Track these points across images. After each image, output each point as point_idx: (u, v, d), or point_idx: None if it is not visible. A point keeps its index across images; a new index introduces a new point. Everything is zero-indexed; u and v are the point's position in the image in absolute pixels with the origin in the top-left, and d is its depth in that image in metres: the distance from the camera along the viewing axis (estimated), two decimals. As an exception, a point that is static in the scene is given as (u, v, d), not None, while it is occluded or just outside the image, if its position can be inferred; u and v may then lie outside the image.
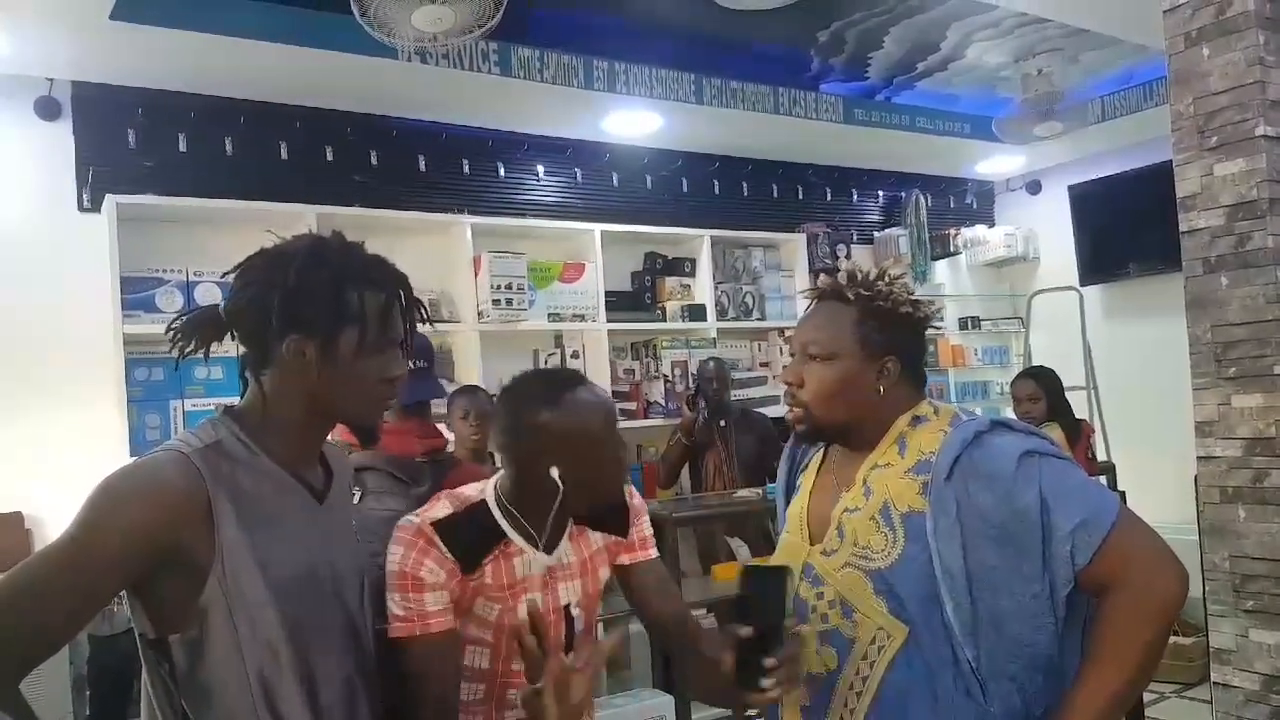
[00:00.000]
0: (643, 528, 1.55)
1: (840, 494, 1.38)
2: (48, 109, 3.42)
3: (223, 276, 1.25)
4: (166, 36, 3.12)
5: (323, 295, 1.16)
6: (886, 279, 1.39)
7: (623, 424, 4.31)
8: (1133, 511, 1.25)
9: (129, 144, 3.56)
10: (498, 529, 1.40)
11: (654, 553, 1.55)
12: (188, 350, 1.22)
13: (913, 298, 1.39)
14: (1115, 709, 1.20)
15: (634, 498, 1.56)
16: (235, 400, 1.26)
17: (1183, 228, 2.65)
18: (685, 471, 4.06)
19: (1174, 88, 2.66)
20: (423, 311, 1.28)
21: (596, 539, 1.50)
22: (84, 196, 3.46)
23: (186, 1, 3.09)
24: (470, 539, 1.37)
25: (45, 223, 3.40)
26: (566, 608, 1.43)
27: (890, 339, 1.36)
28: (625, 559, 1.53)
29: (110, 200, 3.28)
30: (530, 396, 1.38)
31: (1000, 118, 4.51)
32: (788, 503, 1.49)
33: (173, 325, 1.23)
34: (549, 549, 1.42)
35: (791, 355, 1.43)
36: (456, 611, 1.36)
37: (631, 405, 4.35)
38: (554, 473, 1.35)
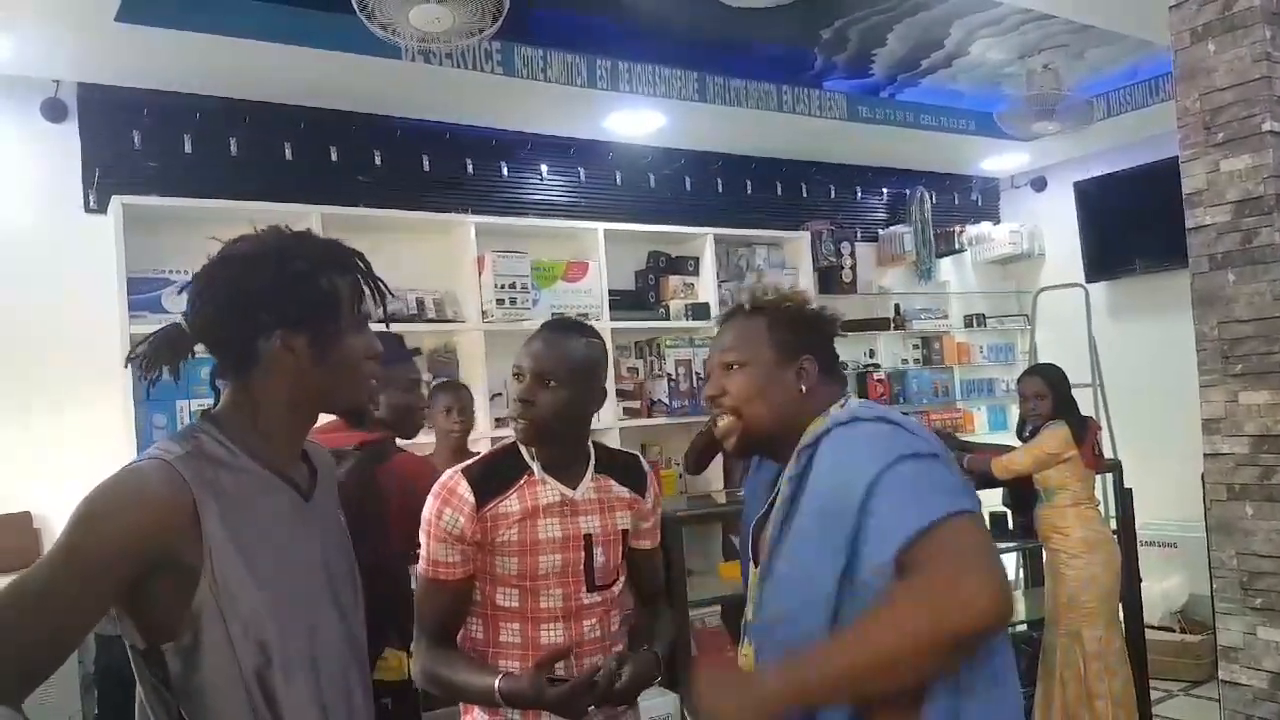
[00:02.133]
0: (655, 520, 1.77)
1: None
2: (54, 111, 3.43)
3: (179, 292, 1.25)
4: (171, 38, 3.13)
5: (299, 287, 1.17)
6: (786, 289, 1.47)
7: (626, 423, 4.35)
8: (973, 526, 1.13)
9: (134, 145, 3.57)
10: (523, 463, 1.64)
11: (649, 544, 1.78)
12: (154, 376, 1.19)
13: (811, 300, 1.46)
14: (835, 683, 1.09)
15: (654, 487, 1.76)
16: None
17: (1189, 224, 2.64)
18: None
19: (1180, 84, 2.65)
20: (384, 285, 1.27)
21: (618, 489, 1.70)
22: (90, 197, 3.47)
23: (191, 3, 3.10)
24: (497, 473, 1.62)
25: (52, 224, 3.42)
26: (587, 536, 1.63)
27: (802, 340, 1.40)
28: (633, 543, 1.73)
29: (116, 201, 3.29)
30: (583, 329, 1.69)
31: (1003, 110, 4.50)
32: (754, 526, 1.44)
33: (133, 354, 1.20)
34: (571, 485, 1.64)
35: (708, 376, 1.46)
36: (482, 545, 1.59)
37: (635, 404, 4.35)
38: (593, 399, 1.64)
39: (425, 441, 3.18)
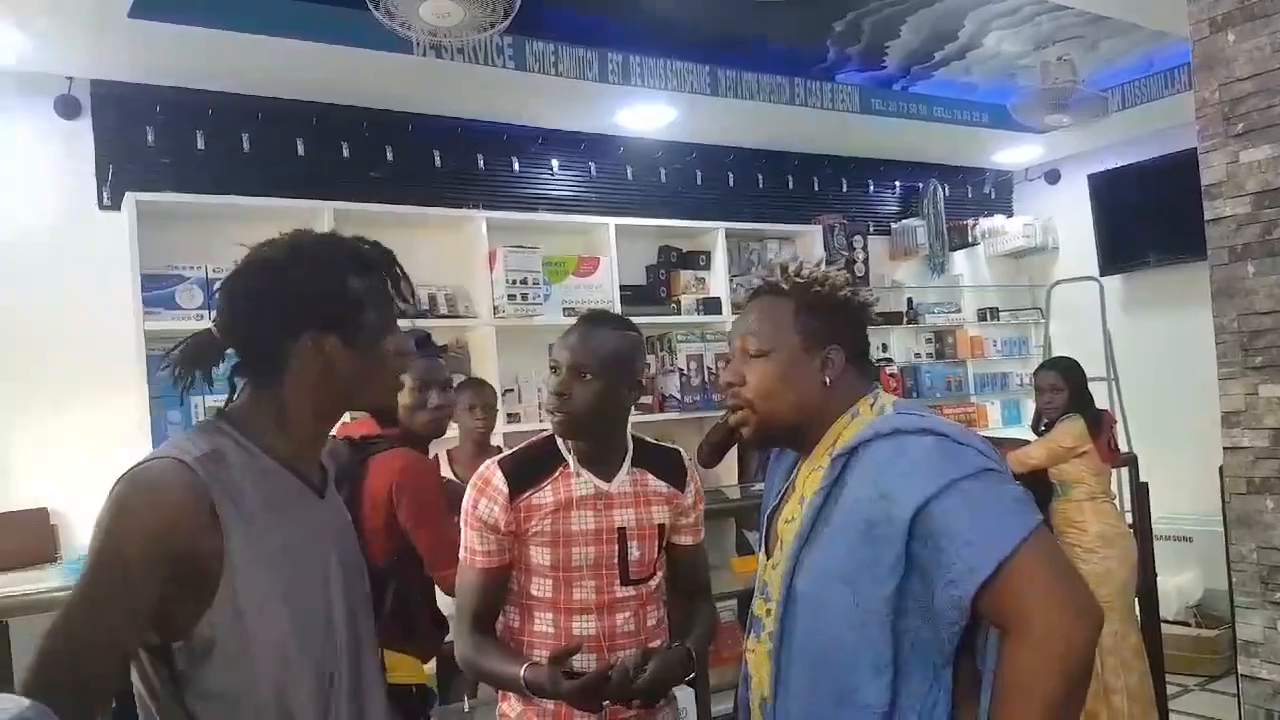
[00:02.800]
0: (696, 516, 1.78)
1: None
2: (68, 108, 3.44)
3: (209, 296, 1.26)
4: (184, 34, 3.13)
5: (328, 288, 1.17)
6: (821, 269, 1.36)
7: (637, 418, 4.34)
8: (1045, 543, 1.12)
9: (147, 141, 3.58)
10: (559, 455, 1.65)
11: (690, 540, 1.78)
12: (190, 383, 1.20)
13: (850, 284, 1.35)
14: None
15: (695, 482, 1.77)
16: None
17: (1208, 215, 2.61)
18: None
19: (1198, 74, 2.62)
20: (409, 284, 1.29)
21: (656, 483, 1.70)
22: (104, 194, 3.48)
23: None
24: (533, 464, 1.64)
25: (66, 220, 3.42)
26: (621, 529, 1.63)
27: (831, 328, 1.32)
28: (674, 539, 1.74)
29: (130, 198, 3.30)
30: (619, 322, 1.70)
31: (1016, 102, 4.46)
32: (767, 518, 1.41)
33: (167, 363, 1.20)
34: (606, 478, 1.65)
35: (729, 359, 1.39)
36: (518, 535, 1.62)
37: (647, 399, 4.34)
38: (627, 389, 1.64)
39: (449, 437, 3.20)
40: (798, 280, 1.34)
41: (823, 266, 1.36)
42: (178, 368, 1.20)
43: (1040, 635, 1.07)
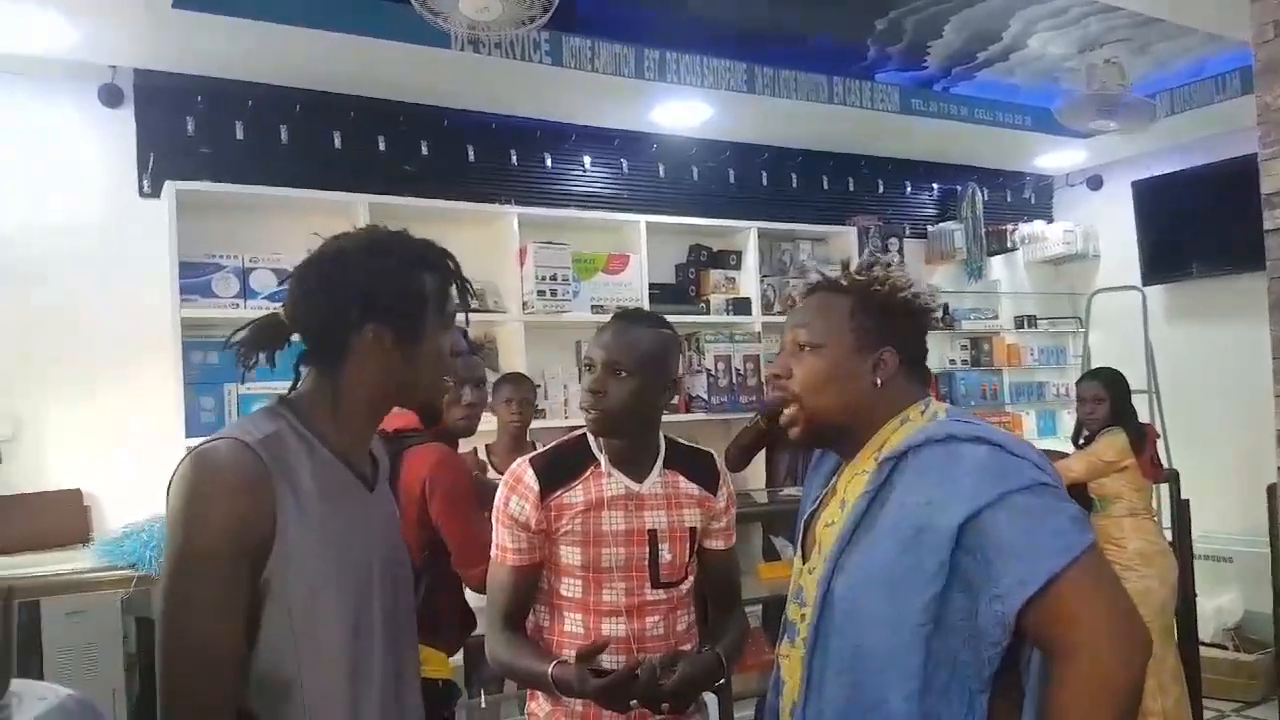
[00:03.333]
0: (728, 520, 1.76)
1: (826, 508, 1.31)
2: (111, 96, 3.48)
3: (279, 287, 1.28)
4: (226, 24, 3.15)
5: (395, 283, 1.21)
6: (883, 266, 1.32)
7: (663, 419, 4.28)
8: (1098, 564, 1.09)
9: (188, 131, 3.61)
10: (591, 454, 1.64)
11: (722, 545, 1.77)
12: (253, 363, 1.22)
13: (912, 285, 1.31)
14: None
15: (727, 486, 1.75)
16: (285, 385, 1.27)
17: (1267, 225, 2.52)
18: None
19: (1261, 78, 2.53)
20: (470, 286, 1.33)
21: (687, 485, 1.69)
22: (145, 183, 3.53)
23: (245, -10, 3.13)
24: (565, 463, 1.64)
25: (108, 208, 3.47)
26: (651, 531, 1.62)
27: (886, 328, 1.28)
28: (705, 543, 1.73)
29: (170, 187, 3.34)
30: (654, 320, 1.69)
31: (1061, 105, 4.37)
32: (805, 522, 1.39)
33: (233, 340, 1.23)
34: (638, 479, 1.64)
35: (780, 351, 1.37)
36: (548, 534, 1.61)
37: (674, 400, 4.31)
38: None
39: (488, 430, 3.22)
40: (857, 278, 1.31)
41: (890, 268, 1.32)
42: (243, 348, 1.22)
43: (1089, 667, 1.04)
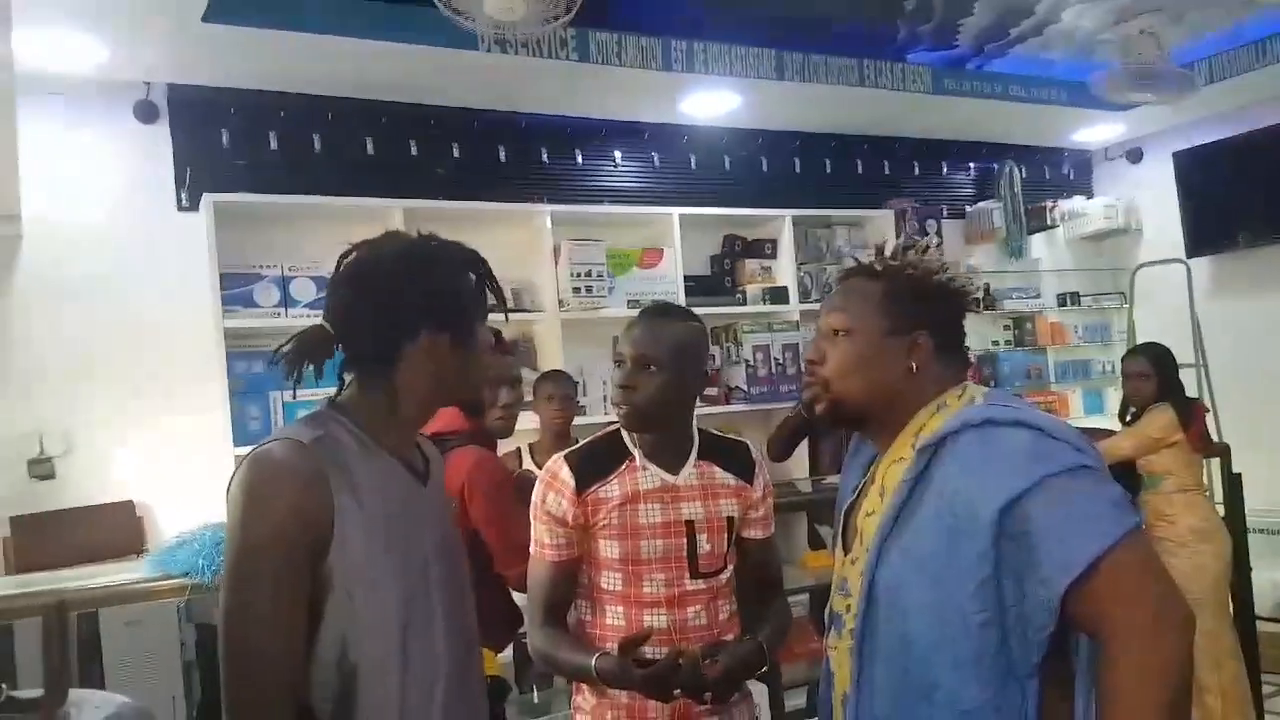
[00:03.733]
0: (766, 509, 1.75)
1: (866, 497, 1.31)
2: (146, 112, 3.54)
3: (318, 295, 1.31)
4: (256, 37, 3.19)
5: (447, 289, 1.24)
6: (917, 249, 1.31)
7: (703, 410, 4.30)
8: (1142, 546, 1.09)
9: (223, 144, 3.67)
10: (625, 449, 1.66)
11: (761, 534, 1.76)
12: (299, 376, 1.24)
13: (946, 268, 1.30)
14: None
15: (764, 475, 1.75)
16: (329, 391, 1.29)
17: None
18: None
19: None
20: (500, 287, 1.37)
21: (723, 475, 1.69)
22: (182, 196, 3.58)
23: (274, 1, 3.16)
24: (599, 458, 1.65)
25: (147, 223, 3.53)
26: (689, 522, 1.63)
27: (920, 312, 1.27)
28: (744, 533, 1.73)
29: (207, 199, 3.39)
30: (682, 313, 1.70)
31: (1098, 78, 4.27)
32: (846, 509, 1.38)
33: (280, 354, 1.25)
34: (673, 471, 1.65)
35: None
36: (586, 528, 1.63)
37: (713, 392, 4.30)
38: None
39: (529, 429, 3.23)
40: (890, 262, 1.30)
41: (926, 251, 1.31)
42: (290, 359, 1.24)
43: (1137, 650, 1.04)
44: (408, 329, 1.22)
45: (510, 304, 3.86)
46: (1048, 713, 1.13)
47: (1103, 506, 1.09)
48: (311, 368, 1.23)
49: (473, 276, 1.29)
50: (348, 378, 1.27)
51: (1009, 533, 1.10)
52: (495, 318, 1.37)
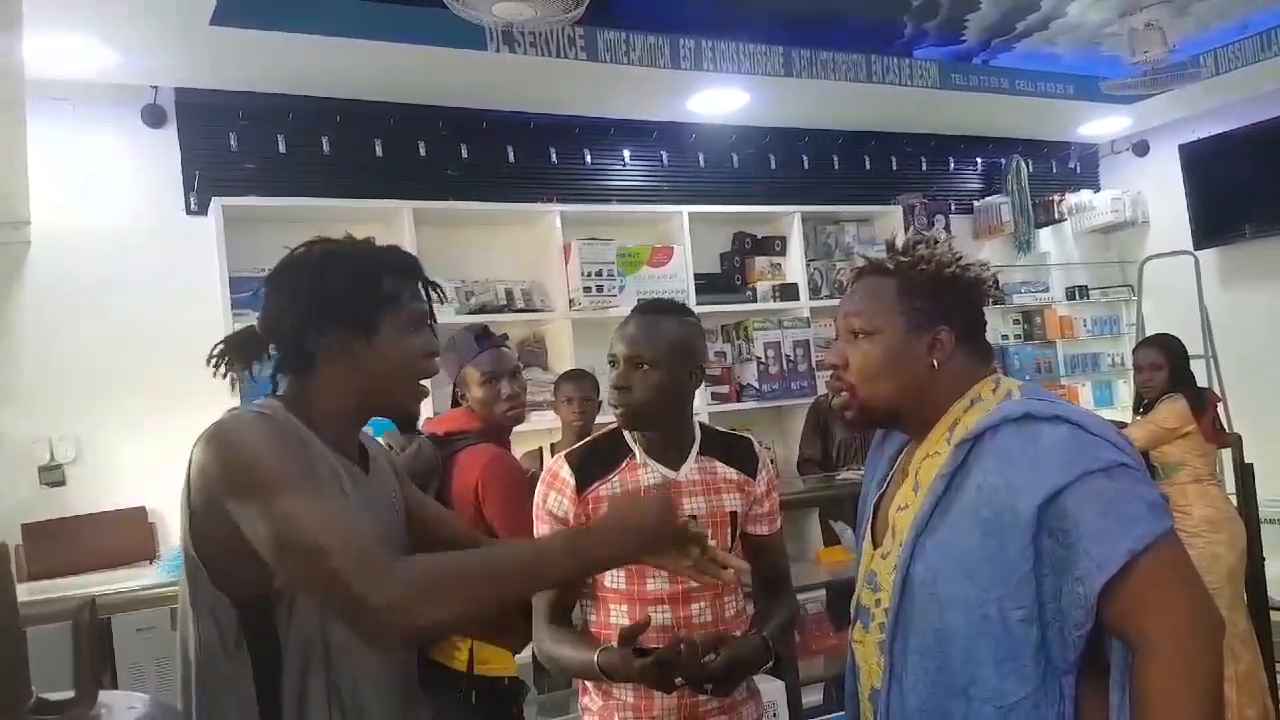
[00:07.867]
0: (771, 504, 1.73)
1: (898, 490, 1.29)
2: (154, 116, 3.54)
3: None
4: (263, 39, 3.19)
5: (355, 291, 1.22)
6: (928, 242, 1.29)
7: (714, 408, 4.30)
8: (1176, 550, 1.09)
9: (231, 147, 3.66)
10: (625, 447, 1.65)
11: (766, 530, 1.75)
12: (231, 376, 1.26)
13: (959, 259, 1.28)
14: None
15: (767, 470, 1.73)
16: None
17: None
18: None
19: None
20: (438, 290, 1.33)
21: (725, 470, 1.67)
22: (191, 200, 3.58)
23: (282, 4, 3.16)
24: (599, 457, 1.65)
25: (156, 227, 3.53)
26: (691, 518, 1.55)
27: (939, 308, 1.25)
28: (749, 528, 1.71)
29: (216, 203, 3.38)
30: (674, 309, 1.68)
31: (1107, 78, 4.28)
32: (874, 502, 1.37)
33: (213, 353, 1.26)
34: (674, 467, 1.64)
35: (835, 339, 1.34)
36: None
37: (724, 389, 4.30)
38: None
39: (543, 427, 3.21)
40: (902, 258, 1.28)
41: (936, 244, 1.29)
42: (221, 358, 1.26)
43: (1170, 657, 1.05)
44: (322, 329, 1.20)
45: (519, 304, 3.93)
46: (1084, 709, 1.13)
47: (1139, 508, 1.09)
48: (242, 369, 1.25)
49: (391, 278, 1.25)
50: (279, 380, 1.27)
51: (1048, 529, 1.10)
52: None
